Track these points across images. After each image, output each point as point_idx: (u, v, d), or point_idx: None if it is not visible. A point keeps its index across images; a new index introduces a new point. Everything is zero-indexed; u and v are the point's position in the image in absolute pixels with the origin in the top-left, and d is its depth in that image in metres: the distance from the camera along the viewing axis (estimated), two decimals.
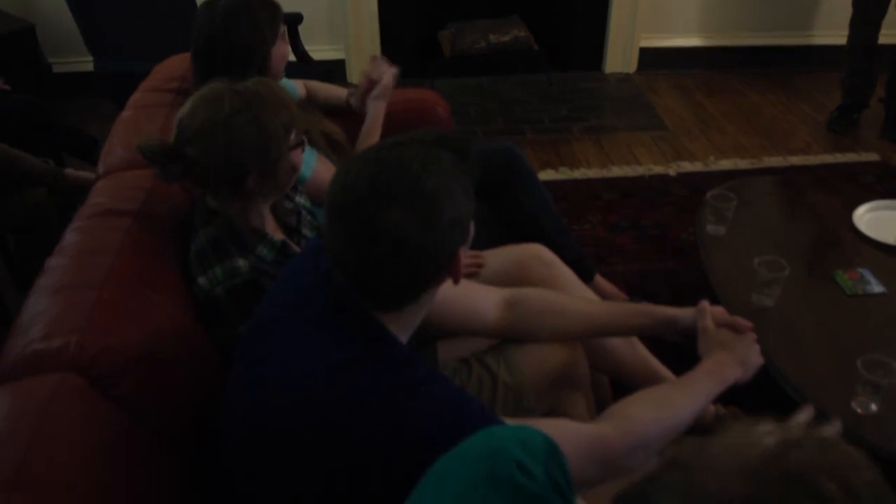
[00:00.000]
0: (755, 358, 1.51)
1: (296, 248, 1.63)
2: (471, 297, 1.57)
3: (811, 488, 0.57)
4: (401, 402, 1.08)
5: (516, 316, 1.60)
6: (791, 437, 0.62)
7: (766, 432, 0.63)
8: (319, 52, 4.01)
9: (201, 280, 1.50)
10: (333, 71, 3.91)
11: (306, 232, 1.73)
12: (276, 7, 1.93)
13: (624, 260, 2.90)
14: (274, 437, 1.13)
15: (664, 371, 1.86)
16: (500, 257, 1.90)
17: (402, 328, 1.17)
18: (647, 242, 3.01)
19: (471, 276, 1.83)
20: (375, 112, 2.23)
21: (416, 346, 1.56)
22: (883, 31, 3.71)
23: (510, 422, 1.16)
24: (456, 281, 1.15)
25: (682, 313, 1.57)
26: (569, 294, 1.81)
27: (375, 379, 1.09)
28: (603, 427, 1.27)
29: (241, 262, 1.49)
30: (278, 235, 1.63)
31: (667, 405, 1.38)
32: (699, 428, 1.92)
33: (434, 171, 1.09)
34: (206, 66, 1.84)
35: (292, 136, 1.55)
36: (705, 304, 1.56)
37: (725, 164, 3.62)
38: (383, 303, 1.14)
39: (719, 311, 1.56)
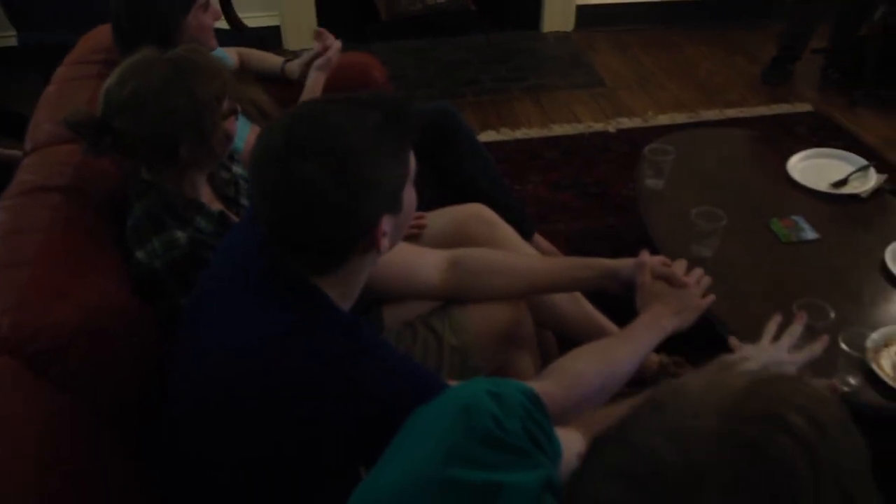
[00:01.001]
0: (692, 306, 1.54)
1: (234, 219, 1.61)
2: (412, 259, 1.57)
3: (781, 422, 0.60)
4: (345, 370, 1.08)
5: (459, 276, 1.60)
6: (762, 376, 0.65)
7: (739, 373, 0.66)
8: (254, 18, 3.93)
9: (139, 254, 1.47)
10: (268, 38, 3.83)
11: (245, 202, 1.70)
12: None
13: (566, 218, 2.92)
14: (219, 407, 1.12)
15: (608, 325, 1.89)
16: (440, 219, 1.90)
17: (342, 294, 1.17)
18: (588, 200, 3.04)
19: (412, 237, 1.82)
20: (315, 82, 2.21)
21: (361, 310, 1.56)
22: None
23: (456, 384, 1.18)
24: (379, 252, 1.15)
25: (623, 264, 1.60)
26: (512, 252, 1.83)
27: (317, 347, 1.09)
28: (545, 384, 1.28)
29: (180, 234, 1.47)
30: (216, 206, 1.61)
31: (607, 358, 1.41)
32: (644, 377, 1.97)
33: (354, 129, 1.08)
34: (120, 34, 1.82)
35: (225, 104, 1.52)
36: (644, 256, 1.58)
37: (663, 118, 3.65)
38: (312, 266, 1.14)
39: (658, 262, 1.58)
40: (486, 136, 3.44)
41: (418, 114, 2.25)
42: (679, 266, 1.60)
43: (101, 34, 2.19)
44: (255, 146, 1.11)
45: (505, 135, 3.50)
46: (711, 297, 1.58)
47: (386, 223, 1.11)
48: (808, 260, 2.02)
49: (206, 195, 1.61)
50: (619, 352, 1.43)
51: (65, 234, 1.43)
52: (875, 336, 1.66)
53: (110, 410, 1.26)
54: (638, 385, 1.95)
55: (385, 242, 1.13)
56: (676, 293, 1.54)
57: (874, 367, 1.62)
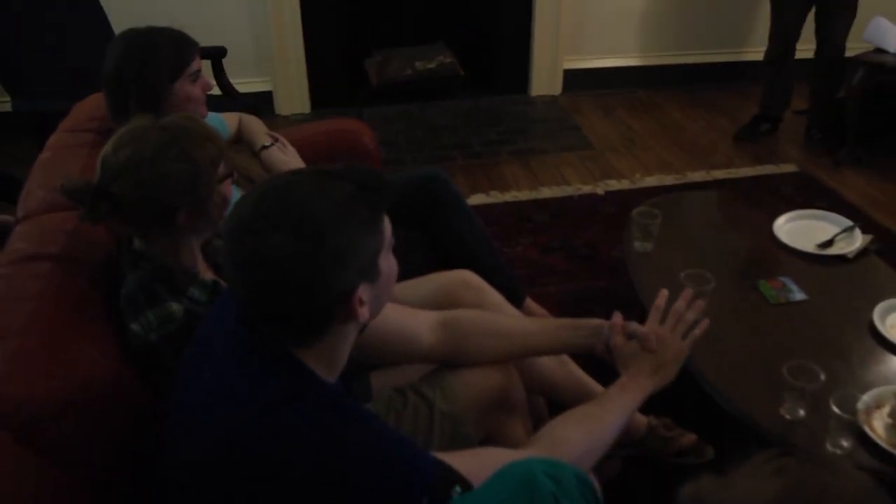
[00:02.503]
0: (671, 360, 1.54)
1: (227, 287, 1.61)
2: (404, 321, 1.57)
3: None
4: (330, 445, 1.07)
5: (452, 337, 1.61)
6: (803, 471, 0.66)
7: (779, 467, 0.66)
8: (246, 84, 3.98)
9: (134, 326, 1.45)
10: (260, 103, 3.89)
11: None
12: (186, 46, 1.91)
13: (556, 280, 2.93)
14: (205, 478, 1.11)
15: (597, 388, 1.88)
16: (427, 285, 1.90)
17: (327, 364, 1.17)
18: (578, 262, 3.05)
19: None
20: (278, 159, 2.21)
21: (348, 377, 1.55)
22: (801, 47, 3.86)
23: (443, 453, 1.18)
24: (359, 322, 1.14)
25: (607, 324, 1.61)
26: (503, 314, 1.84)
27: (300, 422, 1.08)
28: (532, 453, 1.27)
29: (175, 307, 1.46)
30: (209, 275, 1.60)
31: (591, 424, 1.41)
32: (632, 440, 1.96)
33: (324, 200, 1.08)
34: (111, 102, 1.86)
35: (220, 169, 1.53)
36: (616, 319, 1.59)
37: (651, 180, 3.70)
38: (292, 338, 1.14)
39: (632, 326, 1.58)
40: (476, 199, 3.47)
41: (409, 179, 2.30)
42: (662, 298, 1.62)
43: (95, 102, 2.21)
44: (228, 218, 1.12)
45: (494, 198, 3.53)
46: (696, 334, 1.58)
47: (363, 292, 1.11)
48: (797, 321, 2.02)
49: (199, 264, 1.61)
50: (603, 417, 1.43)
51: (55, 304, 1.43)
52: (866, 398, 1.66)
53: (100, 483, 1.25)
54: (626, 447, 1.95)
55: (364, 312, 1.12)
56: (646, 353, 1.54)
57: (866, 429, 1.62)
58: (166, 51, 1.87)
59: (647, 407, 1.68)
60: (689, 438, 2.02)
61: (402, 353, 1.61)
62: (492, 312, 1.76)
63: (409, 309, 1.63)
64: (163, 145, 1.45)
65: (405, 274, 1.85)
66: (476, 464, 1.20)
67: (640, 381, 1.50)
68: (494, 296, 1.90)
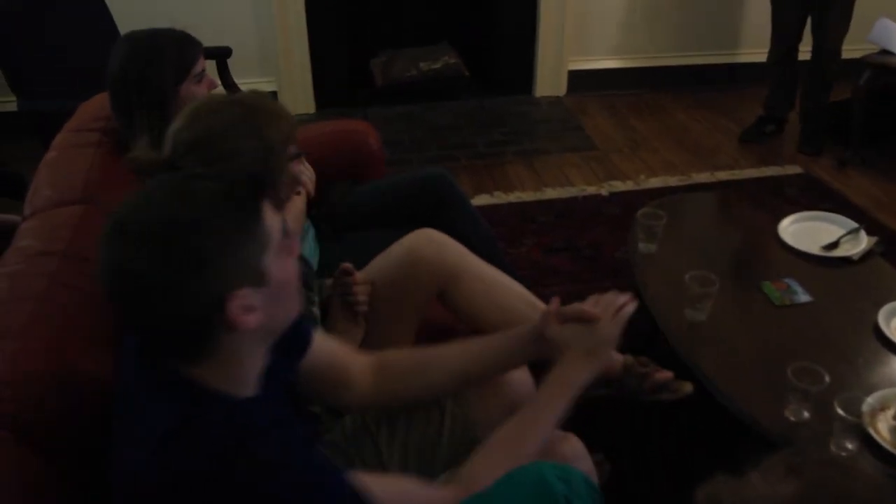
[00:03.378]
0: (606, 338, 1.43)
1: None
2: (335, 359, 1.45)
3: None
4: (230, 463, 1.01)
5: (388, 381, 1.49)
6: (820, 471, 0.66)
7: (795, 468, 0.67)
8: (251, 84, 3.99)
9: None
10: None
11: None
12: (190, 47, 1.91)
13: (560, 281, 2.93)
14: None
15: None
16: (393, 251, 1.90)
17: (231, 378, 1.10)
18: (582, 263, 3.05)
19: (354, 298, 1.80)
20: None
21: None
22: (802, 48, 3.85)
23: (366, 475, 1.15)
24: (250, 329, 1.05)
25: (525, 330, 1.49)
26: (464, 266, 1.85)
27: (195, 446, 1.02)
28: (446, 493, 1.25)
29: None
30: None
31: (516, 448, 1.32)
32: (609, 378, 1.92)
33: (181, 202, 1.02)
34: (116, 103, 1.86)
35: (291, 148, 1.52)
36: (552, 306, 1.47)
37: (655, 181, 3.69)
38: (178, 355, 1.07)
39: (568, 308, 1.46)
40: (480, 200, 3.47)
41: (414, 179, 2.30)
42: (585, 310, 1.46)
43: (100, 102, 2.22)
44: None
45: (499, 198, 3.53)
46: (630, 305, 1.46)
47: (248, 298, 1.03)
48: (802, 323, 2.02)
49: None
50: (530, 434, 1.34)
51: (61, 302, 1.43)
52: (871, 400, 1.66)
53: (103, 484, 1.24)
54: (603, 386, 1.93)
55: (252, 318, 1.04)
56: (583, 332, 1.42)
57: (871, 431, 1.61)
58: (171, 53, 1.87)
59: (623, 346, 1.65)
60: (665, 374, 1.95)
61: (335, 394, 1.48)
62: (427, 347, 1.58)
63: (344, 348, 1.51)
64: (235, 121, 1.43)
65: None
66: (395, 492, 1.18)
67: (571, 375, 1.38)
68: (457, 247, 1.89)
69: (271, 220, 1.07)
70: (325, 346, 1.42)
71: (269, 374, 1.18)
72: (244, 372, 1.12)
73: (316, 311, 1.76)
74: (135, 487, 1.05)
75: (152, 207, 1.03)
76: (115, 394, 1.19)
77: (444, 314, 1.95)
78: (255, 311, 1.05)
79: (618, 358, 1.96)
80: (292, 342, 1.30)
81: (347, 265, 1.83)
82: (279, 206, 1.49)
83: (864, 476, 0.66)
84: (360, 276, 1.83)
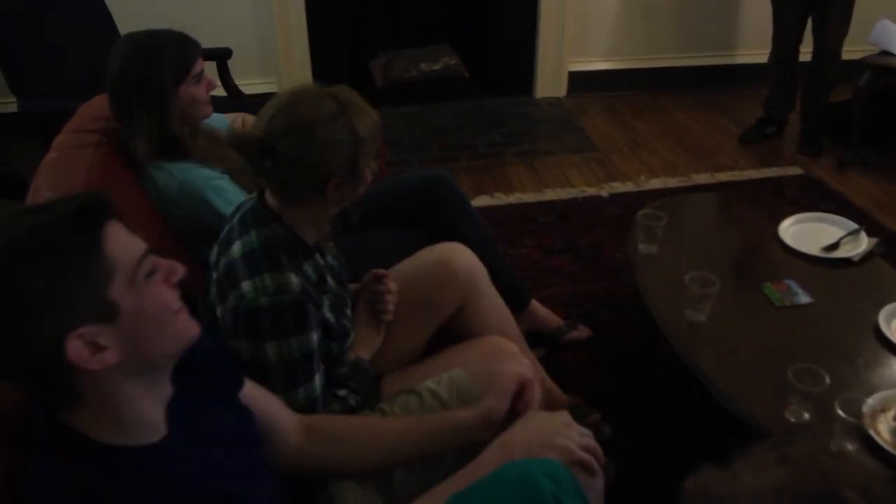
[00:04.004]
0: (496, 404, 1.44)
1: (325, 285, 1.62)
2: (267, 410, 1.37)
3: (836, 499, 0.61)
4: None
5: (316, 445, 1.44)
6: (808, 457, 0.66)
7: (783, 456, 0.67)
8: (251, 86, 3.99)
9: (246, 284, 1.44)
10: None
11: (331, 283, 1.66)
12: (188, 48, 1.93)
13: (560, 282, 2.93)
14: None
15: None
16: (425, 256, 1.93)
17: (117, 428, 1.04)
18: (582, 263, 3.05)
19: (384, 307, 1.80)
20: None
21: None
22: (802, 49, 3.85)
23: None
24: (107, 370, 0.99)
25: (489, 409, 1.45)
26: (487, 285, 1.90)
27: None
28: None
29: (294, 280, 1.46)
30: (320, 260, 1.62)
31: None
32: None
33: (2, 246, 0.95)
34: (115, 103, 1.88)
35: (377, 145, 1.55)
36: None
37: (656, 182, 3.69)
38: (50, 400, 1.03)
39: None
40: (481, 201, 3.47)
41: (415, 180, 2.30)
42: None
43: (100, 103, 2.22)
44: None
45: (499, 199, 3.53)
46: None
47: (97, 336, 0.97)
48: (802, 324, 2.02)
49: (323, 238, 1.62)
50: None
51: None
52: (871, 401, 1.66)
53: None
54: None
55: (104, 357, 0.97)
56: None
57: (871, 432, 1.61)
58: (170, 53, 1.89)
59: (625, 407, 1.66)
60: (595, 418, 2.08)
61: (268, 442, 1.36)
62: (365, 418, 1.59)
63: (276, 401, 1.43)
64: (335, 112, 1.46)
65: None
66: None
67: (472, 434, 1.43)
68: (482, 268, 1.95)
69: (119, 248, 0.99)
70: (256, 394, 1.35)
71: (192, 411, 1.12)
72: (130, 415, 1.04)
73: (349, 313, 1.75)
74: None
75: None
76: None
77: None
78: (107, 349, 0.98)
79: (562, 398, 2.06)
80: (217, 385, 1.24)
81: (380, 271, 1.83)
82: (350, 199, 1.53)
83: (852, 459, 0.66)
84: (392, 284, 1.82)
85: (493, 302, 1.97)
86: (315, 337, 1.49)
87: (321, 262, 1.63)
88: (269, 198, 1.54)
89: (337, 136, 1.45)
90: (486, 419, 1.42)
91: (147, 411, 1.06)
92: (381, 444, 1.47)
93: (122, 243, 1.00)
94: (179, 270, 1.08)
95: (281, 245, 1.49)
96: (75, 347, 0.95)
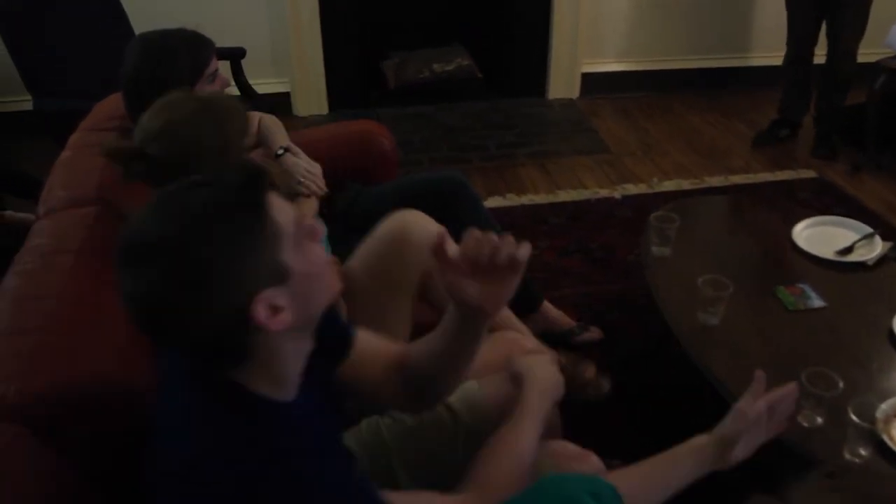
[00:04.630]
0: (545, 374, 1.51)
1: None
2: (369, 345, 1.39)
3: None
4: (264, 481, 1.00)
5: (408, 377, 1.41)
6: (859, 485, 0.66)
7: (837, 486, 0.67)
8: (264, 85, 4.00)
9: None
10: (278, 104, 3.90)
11: None
12: (202, 47, 1.93)
13: (572, 283, 2.93)
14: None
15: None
16: (382, 230, 1.93)
17: (271, 383, 1.08)
18: (594, 265, 3.05)
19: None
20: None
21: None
22: (817, 52, 3.84)
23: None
24: (280, 331, 1.03)
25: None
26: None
27: (236, 455, 1.02)
28: (464, 499, 1.25)
29: None
30: None
31: (513, 447, 1.35)
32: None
33: (174, 219, 0.99)
34: (130, 102, 1.87)
35: (247, 140, 1.62)
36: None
37: (669, 184, 3.68)
38: (214, 363, 1.07)
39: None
40: (493, 202, 3.47)
41: (428, 181, 2.30)
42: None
43: (115, 102, 2.23)
44: None
45: (511, 200, 3.53)
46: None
47: (274, 297, 1.01)
48: (815, 328, 2.01)
49: None
50: (522, 437, 1.37)
51: (76, 298, 1.44)
52: (885, 406, 1.65)
53: (117, 478, 1.25)
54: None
55: (281, 318, 1.02)
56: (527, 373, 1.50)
57: (885, 437, 1.60)
58: (184, 53, 1.89)
59: (636, 409, 1.67)
60: (590, 371, 2.13)
61: (373, 391, 1.40)
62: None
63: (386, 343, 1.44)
64: (197, 112, 1.55)
65: None
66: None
67: (534, 404, 1.43)
68: (438, 227, 1.82)
69: (280, 213, 1.04)
70: (368, 342, 1.39)
71: (308, 376, 1.16)
72: (286, 371, 1.10)
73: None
74: (178, 482, 1.03)
75: (152, 226, 1.00)
76: (158, 387, 1.19)
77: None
78: (284, 310, 1.02)
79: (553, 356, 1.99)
80: (334, 344, 1.29)
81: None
82: None
83: None
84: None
85: None
86: None
87: None
88: None
89: (200, 132, 1.52)
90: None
91: (296, 368, 1.12)
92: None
93: (282, 209, 1.05)
94: (321, 229, 1.14)
95: None
96: (259, 311, 0.99)
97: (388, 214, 1.95)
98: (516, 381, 1.51)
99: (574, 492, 1.00)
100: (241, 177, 1.03)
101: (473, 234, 1.21)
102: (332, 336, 1.26)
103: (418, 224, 1.91)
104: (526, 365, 1.53)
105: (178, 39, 1.91)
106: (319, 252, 1.10)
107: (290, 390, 1.11)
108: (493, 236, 1.20)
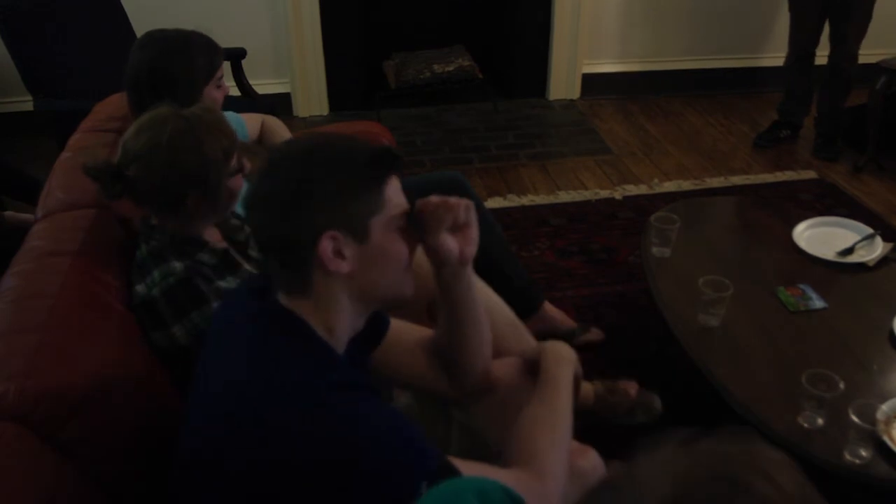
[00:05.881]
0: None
1: (238, 258, 1.64)
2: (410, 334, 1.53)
3: (743, 486, 0.59)
4: (328, 409, 1.08)
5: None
6: (713, 447, 0.64)
7: (691, 449, 0.65)
8: (265, 86, 4.00)
9: (139, 287, 1.52)
10: (279, 105, 3.90)
11: (253, 254, 1.71)
12: (216, 51, 1.94)
13: (573, 284, 2.92)
14: (207, 453, 1.13)
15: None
16: None
17: (325, 324, 1.18)
18: (595, 266, 3.04)
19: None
20: None
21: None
22: (818, 53, 3.83)
23: (465, 466, 1.16)
24: (339, 276, 1.16)
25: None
26: None
27: (302, 377, 1.11)
28: (517, 473, 1.26)
29: (178, 265, 1.51)
30: (221, 244, 1.64)
31: (557, 422, 1.40)
32: (582, 409, 1.94)
33: (319, 146, 1.20)
34: (138, 94, 1.87)
35: (232, 162, 1.57)
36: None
37: (669, 185, 3.68)
38: (283, 281, 1.19)
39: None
40: (494, 203, 3.47)
41: (429, 182, 2.29)
42: None
43: (115, 102, 2.23)
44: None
45: (512, 201, 3.52)
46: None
47: (343, 245, 1.14)
48: (816, 329, 2.01)
49: (213, 235, 1.65)
50: (559, 412, 1.42)
51: (74, 299, 1.44)
52: (885, 408, 1.65)
53: (117, 477, 1.26)
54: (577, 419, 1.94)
55: (341, 264, 1.15)
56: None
57: (885, 439, 1.60)
58: (201, 53, 1.90)
59: (587, 372, 1.67)
60: (633, 392, 2.05)
61: (406, 369, 1.50)
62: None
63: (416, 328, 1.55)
64: (179, 134, 1.50)
65: None
66: (471, 468, 1.18)
67: (562, 369, 1.50)
68: None
69: (395, 195, 1.19)
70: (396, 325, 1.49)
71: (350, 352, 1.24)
72: (335, 321, 1.19)
73: None
74: (233, 401, 1.12)
75: (303, 142, 1.24)
76: (208, 335, 1.30)
77: None
78: (346, 260, 1.15)
79: (587, 388, 1.98)
80: (370, 330, 1.35)
81: None
82: (217, 217, 1.61)
83: (762, 450, 0.63)
84: None
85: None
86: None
87: (238, 222, 1.71)
88: (151, 217, 1.60)
89: (181, 157, 1.49)
90: None
91: (346, 328, 1.22)
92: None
93: (399, 193, 1.21)
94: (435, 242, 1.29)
95: (165, 246, 1.54)
96: (326, 244, 1.13)
97: None
98: (532, 364, 1.55)
99: (459, 490, 0.99)
100: (378, 151, 1.20)
101: (432, 201, 1.33)
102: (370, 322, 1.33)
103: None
104: (541, 345, 1.58)
105: (195, 40, 1.92)
106: (403, 248, 1.21)
107: (338, 345, 1.20)
108: (445, 199, 1.35)
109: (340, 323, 1.20)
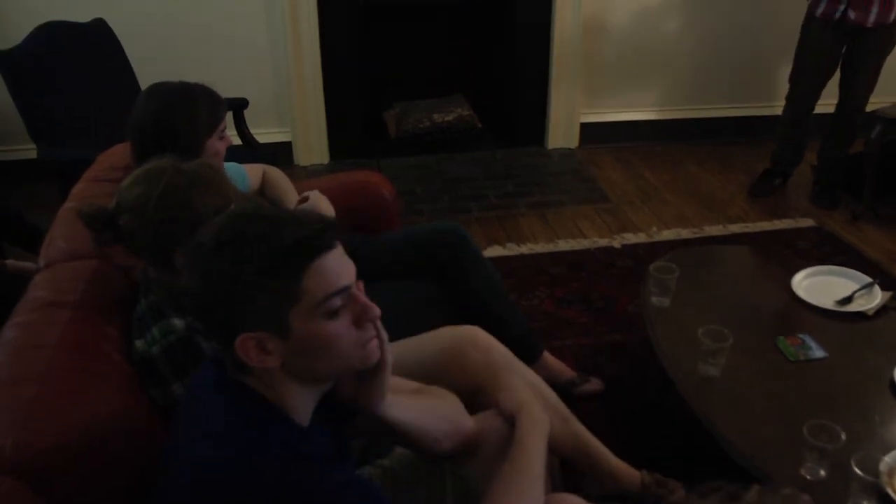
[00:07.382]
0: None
1: None
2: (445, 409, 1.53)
3: None
4: (293, 485, 1.06)
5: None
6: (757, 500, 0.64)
7: (730, 496, 0.65)
8: (266, 135, 4.04)
9: (138, 343, 1.52)
10: (280, 154, 3.93)
11: None
12: (219, 104, 1.96)
13: (572, 333, 2.92)
14: None
15: (596, 444, 1.92)
16: (431, 343, 1.82)
17: (279, 401, 1.15)
18: (594, 315, 3.04)
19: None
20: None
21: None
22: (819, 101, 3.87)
23: None
24: (266, 368, 1.13)
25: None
26: (508, 373, 1.80)
27: (261, 453, 1.09)
28: None
29: (178, 322, 1.51)
30: None
31: (525, 491, 1.40)
32: (627, 494, 1.94)
33: (230, 236, 1.11)
34: (142, 144, 1.88)
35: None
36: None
37: (668, 234, 3.70)
38: (227, 361, 1.15)
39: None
40: (493, 251, 3.47)
41: (429, 233, 2.30)
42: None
43: (119, 152, 2.25)
44: None
45: (511, 250, 3.54)
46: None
47: (263, 341, 1.10)
48: (817, 379, 2.00)
49: None
50: (530, 471, 1.44)
51: (73, 350, 1.44)
52: (888, 459, 1.64)
53: None
54: (619, 500, 1.93)
55: (266, 360, 1.11)
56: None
57: (889, 491, 1.59)
58: (205, 105, 1.92)
59: (637, 461, 1.66)
60: (679, 493, 1.99)
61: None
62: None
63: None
64: (172, 189, 1.50)
65: (418, 327, 1.85)
66: None
67: (538, 427, 1.52)
68: (502, 354, 1.83)
69: (315, 282, 1.10)
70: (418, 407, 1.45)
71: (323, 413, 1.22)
72: (286, 400, 1.16)
73: None
74: (199, 476, 1.09)
75: (217, 231, 1.12)
76: (183, 401, 1.29)
77: None
78: (272, 355, 1.10)
79: (634, 474, 1.97)
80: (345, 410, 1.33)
81: None
82: None
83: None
84: None
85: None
86: None
87: None
88: (149, 269, 1.60)
89: (171, 212, 1.48)
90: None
91: (302, 404, 1.18)
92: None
93: (322, 278, 1.11)
94: (373, 313, 1.18)
95: (164, 301, 1.54)
96: (245, 343, 1.09)
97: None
98: (507, 417, 1.56)
99: None
100: (300, 237, 1.10)
101: None
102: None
103: (481, 348, 1.81)
104: (517, 401, 1.57)
105: (199, 92, 1.94)
106: (337, 331, 1.14)
107: (300, 418, 1.17)
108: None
109: (291, 400, 1.17)
